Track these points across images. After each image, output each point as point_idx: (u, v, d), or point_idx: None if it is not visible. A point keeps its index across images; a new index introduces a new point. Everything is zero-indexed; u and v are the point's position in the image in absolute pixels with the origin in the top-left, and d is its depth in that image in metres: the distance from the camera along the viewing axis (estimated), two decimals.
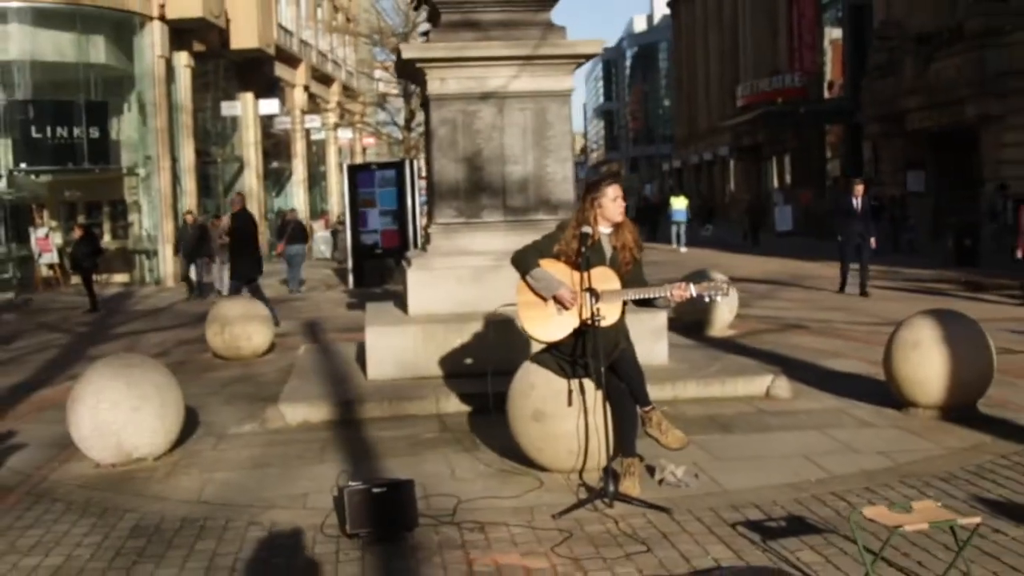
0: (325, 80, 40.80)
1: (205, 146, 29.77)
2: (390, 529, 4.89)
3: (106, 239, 26.37)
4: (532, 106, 8.67)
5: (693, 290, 5.42)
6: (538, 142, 8.68)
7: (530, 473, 5.82)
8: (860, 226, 15.33)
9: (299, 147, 36.73)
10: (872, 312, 13.02)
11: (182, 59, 26.61)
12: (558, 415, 5.52)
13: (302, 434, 7.17)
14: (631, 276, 5.56)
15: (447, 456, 6.40)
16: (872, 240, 15.53)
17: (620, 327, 5.53)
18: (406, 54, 8.79)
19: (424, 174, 16.03)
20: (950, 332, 6.88)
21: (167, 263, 25.11)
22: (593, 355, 5.26)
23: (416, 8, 14.18)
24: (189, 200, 26.61)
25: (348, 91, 43.42)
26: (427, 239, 9.17)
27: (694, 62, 59.81)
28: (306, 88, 37.12)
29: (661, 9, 78.21)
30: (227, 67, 30.77)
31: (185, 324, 14.87)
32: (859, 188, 15.65)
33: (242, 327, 11.04)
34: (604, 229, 5.55)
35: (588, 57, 8.86)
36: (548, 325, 5.50)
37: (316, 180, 41.13)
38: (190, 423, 7.40)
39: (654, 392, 7.33)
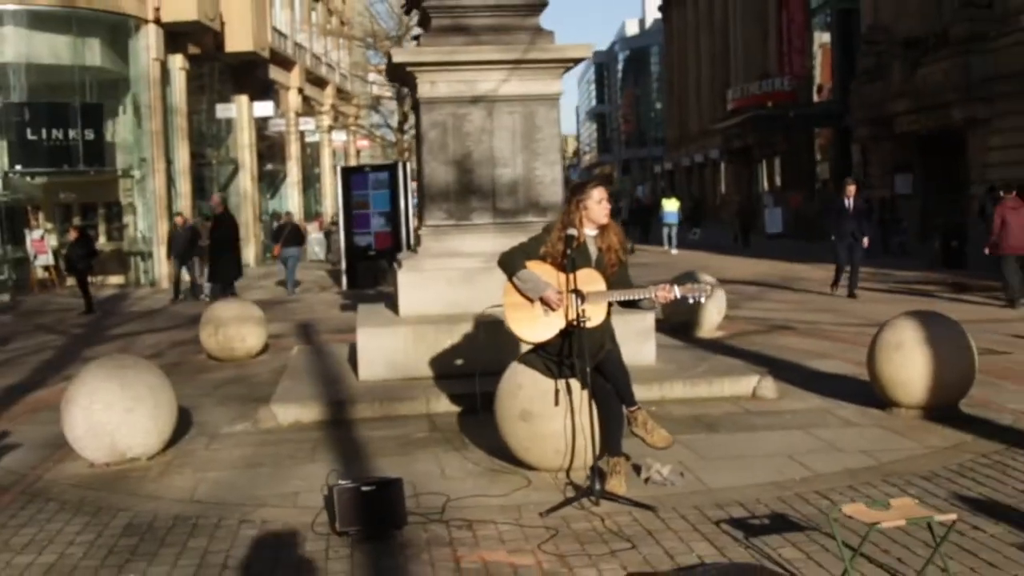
0: (319, 83, 40.90)
1: (200, 148, 29.84)
2: (379, 527, 4.97)
3: (101, 241, 26.43)
4: (521, 109, 8.76)
5: (677, 291, 5.53)
6: (527, 145, 8.77)
7: (518, 472, 5.90)
8: (852, 226, 15.43)
9: (293, 149, 36.82)
10: (859, 314, 13.12)
11: (177, 62, 26.69)
12: (545, 415, 5.60)
13: (294, 434, 7.25)
14: (616, 278, 5.66)
15: (437, 455, 6.48)
16: (865, 239, 15.63)
17: (606, 328, 5.62)
18: (396, 58, 8.88)
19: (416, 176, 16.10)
20: (932, 333, 6.97)
21: (162, 265, 25.16)
22: (579, 355, 5.34)
23: (407, 13, 14.26)
24: (184, 202, 26.67)
25: (342, 94, 43.52)
26: (418, 241, 9.26)
27: (685, 66, 60.00)
28: (300, 91, 37.21)
29: (653, 13, 78.47)
30: (222, 70, 30.85)
31: (180, 326, 14.93)
32: (851, 188, 15.71)
33: (236, 328, 11.12)
34: (590, 231, 5.64)
35: (576, 61, 8.95)
36: (535, 326, 5.59)
37: (310, 182, 41.23)
38: (184, 423, 7.48)
39: (642, 392, 7.43)
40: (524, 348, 6.00)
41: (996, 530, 4.80)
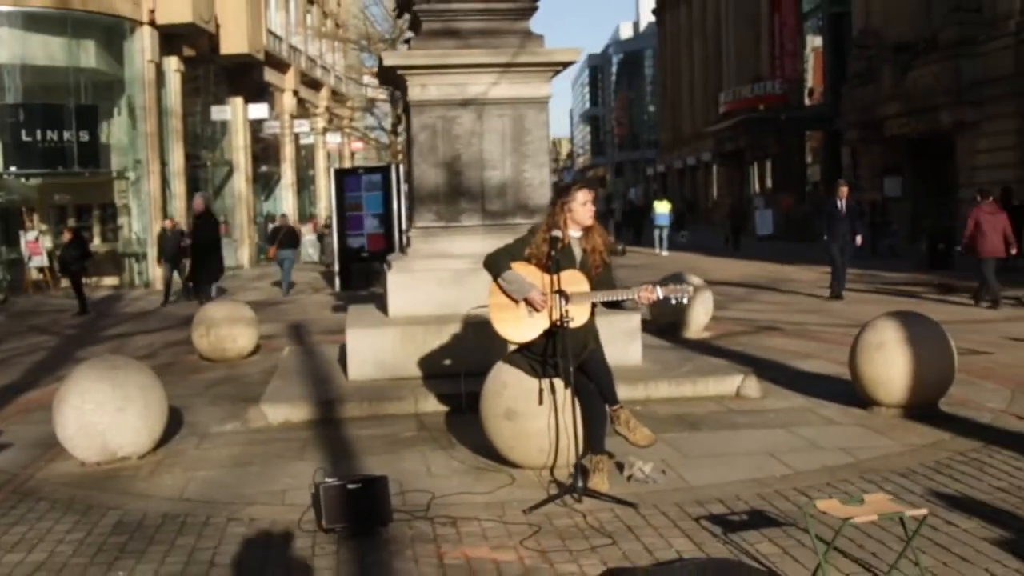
0: (314, 85, 40.99)
1: (195, 150, 29.91)
2: (365, 524, 5.05)
3: (96, 242, 26.51)
4: (511, 112, 8.86)
5: (660, 292, 5.63)
6: (516, 148, 8.87)
7: (503, 470, 5.99)
8: (845, 228, 15.51)
9: (288, 151, 36.90)
10: (845, 315, 13.23)
11: (172, 64, 26.76)
12: (529, 414, 5.69)
13: (283, 433, 7.33)
14: (600, 279, 5.75)
15: (424, 454, 6.56)
16: (858, 238, 15.73)
17: (589, 328, 5.70)
18: (387, 61, 8.98)
19: None
20: (913, 333, 7.07)
21: (156, 266, 25.23)
22: (563, 355, 5.43)
23: (399, 16, 14.35)
24: (178, 204, 26.74)
25: (337, 96, 43.61)
26: (407, 242, 9.35)
27: (678, 69, 60.20)
28: (295, 93, 37.30)
29: (647, 16, 78.66)
30: (217, 72, 30.94)
31: (172, 327, 14.99)
32: (844, 190, 15.83)
33: (228, 329, 11.19)
34: (574, 233, 5.73)
35: (565, 65, 9.03)
36: (519, 326, 5.68)
37: (305, 184, 41.31)
38: (174, 423, 7.56)
39: (627, 392, 7.57)
40: (511, 348, 6.09)
41: (969, 525, 4.90)
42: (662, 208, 31.12)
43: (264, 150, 35.40)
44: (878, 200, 27.52)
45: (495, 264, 5.72)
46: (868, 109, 28.93)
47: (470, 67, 8.73)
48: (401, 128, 29.47)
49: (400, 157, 28.44)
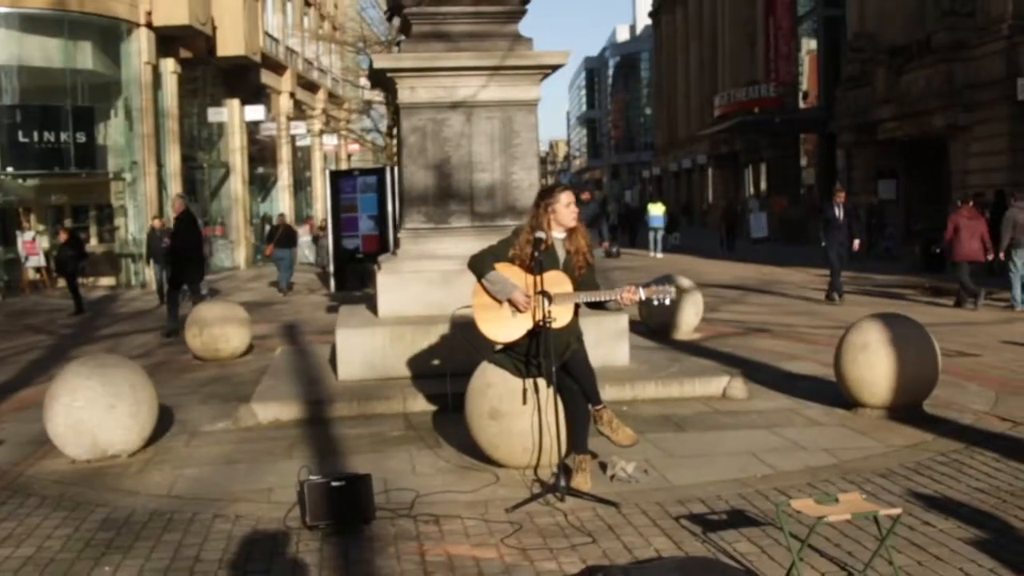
0: (311, 87, 41.06)
1: (191, 151, 29.98)
2: (348, 521, 5.12)
3: (92, 243, 26.58)
4: (499, 115, 8.92)
5: (642, 293, 5.70)
6: (505, 150, 8.93)
7: (487, 469, 6.05)
8: (843, 234, 15.42)
9: (284, 153, 36.96)
10: (835, 317, 13.30)
11: (169, 65, 26.83)
12: (513, 413, 5.75)
13: (272, 432, 7.39)
14: (584, 279, 5.81)
15: (410, 453, 6.62)
16: (856, 243, 15.64)
17: (572, 328, 5.76)
18: (377, 64, 9.05)
19: None
20: (897, 335, 7.14)
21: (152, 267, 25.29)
22: (546, 355, 5.49)
23: (389, 19, 14.42)
24: (175, 205, 26.74)
25: (333, 98, 43.66)
26: (397, 244, 9.41)
27: (674, 72, 60.33)
28: (292, 95, 37.37)
29: (644, 19, 78.79)
30: (214, 74, 31.01)
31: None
32: (840, 195, 15.76)
33: (220, 329, 11.25)
34: (558, 234, 5.80)
35: (554, 68, 9.09)
36: (503, 326, 5.75)
37: (301, 185, 41.37)
38: (166, 421, 7.63)
39: (615, 392, 7.66)
40: (497, 348, 6.14)
41: (946, 525, 4.96)
42: (656, 211, 31.20)
43: (260, 152, 35.46)
44: (874, 203, 27.61)
45: (479, 265, 5.79)
46: (862, 112, 29.03)
47: (459, 70, 8.80)
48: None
49: (396, 159, 28.52)
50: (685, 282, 11.95)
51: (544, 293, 5.53)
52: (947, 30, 24.20)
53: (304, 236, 32.33)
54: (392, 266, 9.00)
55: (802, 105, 39.49)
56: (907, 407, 7.15)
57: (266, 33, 34.28)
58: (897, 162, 28.55)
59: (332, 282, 20.50)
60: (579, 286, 5.75)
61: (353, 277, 20.01)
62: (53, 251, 23.23)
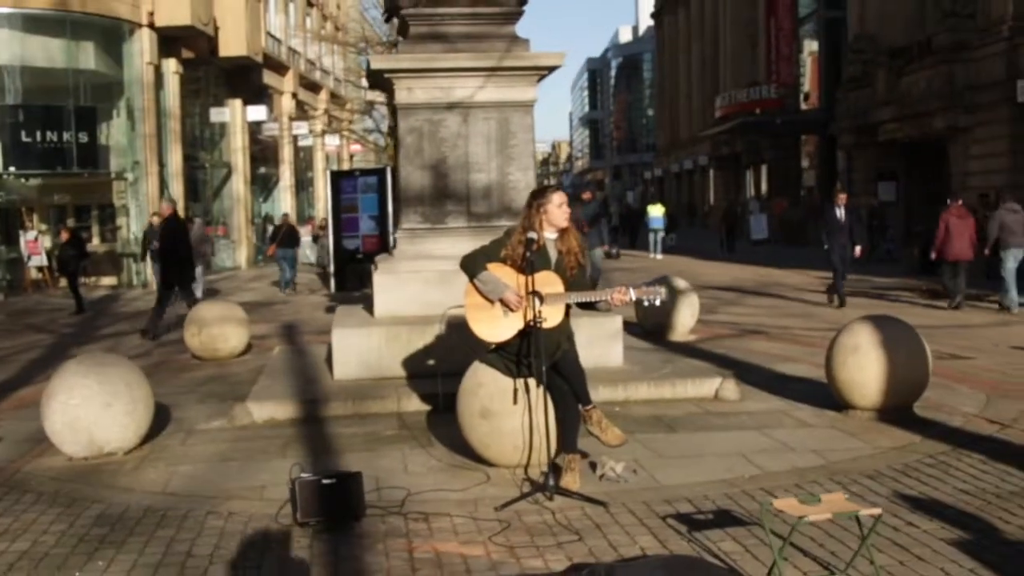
0: (313, 87, 41.14)
1: (193, 151, 30.07)
2: (339, 518, 5.18)
3: (94, 242, 26.68)
4: (496, 116, 8.98)
5: (632, 294, 5.75)
6: (501, 150, 8.99)
7: (479, 468, 6.11)
8: (844, 237, 15.20)
9: (286, 153, 37.06)
10: (831, 319, 13.34)
11: (171, 66, 26.91)
12: (504, 413, 5.81)
13: (267, 431, 7.46)
14: (575, 280, 5.87)
15: (403, 452, 6.68)
16: (857, 248, 15.38)
17: (563, 329, 5.81)
18: (375, 64, 9.12)
19: None
20: (888, 337, 7.18)
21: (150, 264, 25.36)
22: (536, 355, 5.55)
23: (387, 21, 14.48)
24: (177, 205, 26.83)
25: (335, 98, 43.76)
26: (394, 244, 9.48)
27: (676, 73, 60.39)
28: (294, 95, 37.47)
29: (646, 20, 78.83)
30: (216, 74, 31.10)
31: (167, 326, 15.09)
32: (842, 197, 15.51)
33: (219, 328, 11.32)
34: (550, 235, 5.85)
35: (551, 69, 9.14)
36: (494, 326, 5.80)
37: (303, 185, 41.46)
38: (162, 420, 7.70)
39: (608, 393, 7.71)
40: (490, 348, 6.20)
41: (930, 526, 5.01)
42: (655, 212, 31.28)
43: (263, 152, 35.56)
44: (875, 205, 27.64)
45: (471, 265, 5.85)
46: (863, 114, 29.05)
47: (456, 71, 8.86)
48: None
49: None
50: (681, 283, 12.01)
51: (535, 293, 5.59)
52: (948, 31, 24.22)
53: (305, 236, 32.45)
54: (389, 266, 9.06)
55: (803, 107, 39.55)
56: (897, 409, 7.20)
57: (268, 33, 34.38)
58: (898, 164, 28.58)
59: (332, 282, 20.57)
60: (571, 286, 5.80)
61: (353, 277, 20.07)
62: (55, 250, 23.33)
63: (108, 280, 26.00)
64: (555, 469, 5.66)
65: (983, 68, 23.40)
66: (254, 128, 33.28)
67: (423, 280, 8.66)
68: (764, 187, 43.22)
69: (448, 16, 9.07)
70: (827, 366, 7.47)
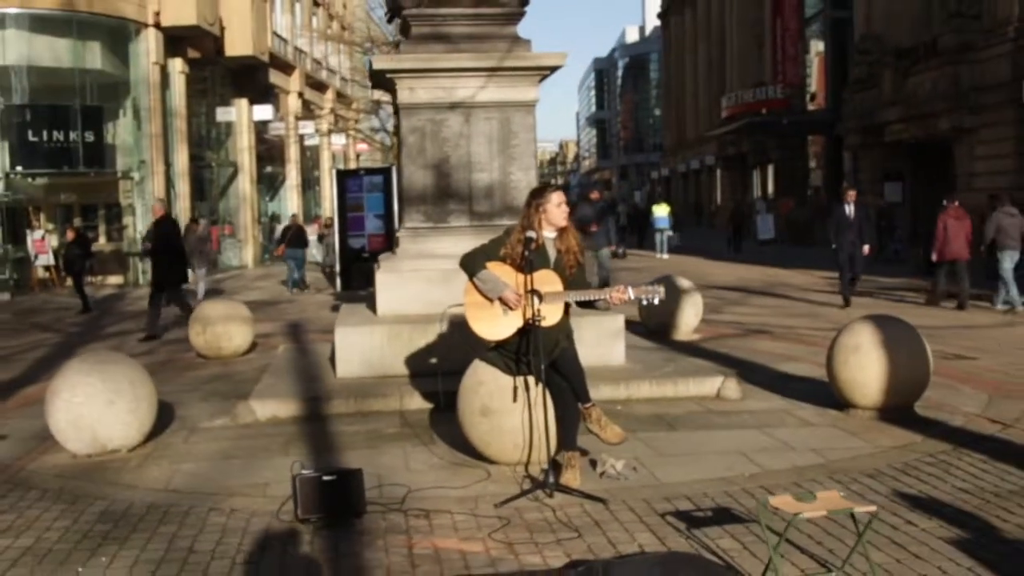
0: (319, 87, 41.23)
1: (199, 151, 30.18)
2: (340, 515, 5.21)
3: (101, 241, 26.79)
4: (498, 115, 9.01)
5: (631, 293, 5.77)
6: (503, 150, 9.02)
7: (479, 465, 6.14)
8: (853, 234, 14.96)
9: (293, 152, 37.14)
10: (836, 319, 13.32)
11: (177, 65, 27.02)
12: (504, 410, 5.84)
13: (270, 428, 7.49)
14: (574, 279, 5.89)
15: (404, 449, 6.72)
16: (866, 247, 15.14)
17: (562, 327, 5.84)
18: (377, 65, 9.15)
19: None
20: (889, 337, 7.19)
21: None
22: (535, 353, 5.58)
23: (390, 21, 14.53)
24: (183, 204, 26.99)
25: (342, 98, 43.84)
26: (396, 243, 9.51)
27: (683, 73, 60.40)
28: (300, 95, 37.54)
29: (653, 20, 78.78)
30: (222, 73, 31.19)
31: (172, 324, 15.15)
32: (851, 195, 15.27)
33: (223, 327, 11.37)
34: (549, 234, 5.88)
35: (553, 69, 9.16)
36: (494, 325, 5.83)
37: (310, 185, 41.55)
38: (166, 417, 7.75)
39: (610, 391, 7.74)
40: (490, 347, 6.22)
41: (928, 525, 5.02)
42: (661, 211, 31.28)
43: (269, 151, 35.67)
44: (883, 205, 27.60)
45: (470, 264, 5.88)
46: (869, 114, 29.03)
47: (458, 71, 8.90)
48: None
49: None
50: (684, 283, 12.02)
51: (534, 292, 5.62)
52: (953, 32, 24.20)
53: (311, 235, 32.55)
54: (391, 265, 9.10)
55: (810, 107, 39.52)
56: (898, 408, 7.21)
57: (274, 33, 34.46)
58: (904, 164, 28.56)
59: (338, 281, 20.62)
60: (569, 285, 5.83)
61: (359, 276, 20.09)
62: (61, 250, 23.43)
63: (114, 279, 26.10)
64: (555, 466, 5.69)
65: (988, 69, 23.37)
66: (260, 127, 33.38)
67: (425, 279, 8.69)
68: (771, 187, 43.18)
69: (450, 17, 9.10)
70: (828, 365, 7.49)
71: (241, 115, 31.87)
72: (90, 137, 24.72)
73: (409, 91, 8.93)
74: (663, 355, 9.49)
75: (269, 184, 37.04)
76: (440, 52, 8.96)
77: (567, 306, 5.87)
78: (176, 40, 26.38)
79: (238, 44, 29.04)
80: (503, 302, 5.77)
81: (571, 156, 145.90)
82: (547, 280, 5.73)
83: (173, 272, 14.05)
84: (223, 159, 32.37)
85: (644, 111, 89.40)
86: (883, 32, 29.53)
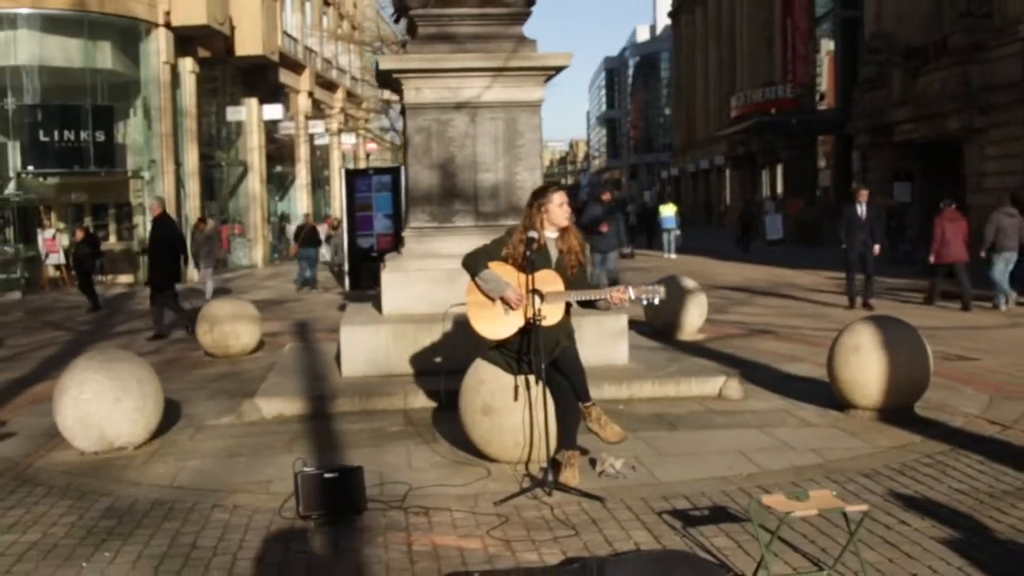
0: (329, 86, 41.34)
1: (209, 150, 30.32)
2: (341, 512, 5.28)
3: (111, 240, 26.96)
4: (503, 115, 9.07)
5: (632, 293, 5.82)
6: (509, 150, 9.08)
7: (480, 464, 6.21)
8: (864, 235, 14.72)
9: (303, 152, 37.27)
10: (841, 319, 13.22)
11: (187, 65, 27.16)
12: (505, 409, 5.90)
13: (275, 426, 7.57)
14: (576, 279, 5.95)
15: (407, 448, 6.78)
16: (876, 247, 14.86)
17: (564, 326, 5.90)
18: (383, 65, 9.21)
19: None
20: (889, 337, 7.22)
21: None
22: (535, 352, 5.64)
23: (396, 21, 14.60)
24: (192, 203, 27.14)
25: (352, 97, 43.95)
26: (402, 242, 9.58)
27: (693, 72, 60.34)
28: (310, 94, 37.66)
29: (664, 19, 78.69)
30: (232, 73, 31.33)
31: (177, 324, 15.26)
32: (863, 194, 14.94)
33: (231, 326, 11.45)
34: (550, 234, 5.94)
35: (558, 69, 9.21)
36: (495, 324, 5.90)
37: (320, 184, 41.68)
38: (173, 415, 7.84)
39: (612, 391, 7.79)
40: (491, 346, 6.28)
41: (921, 524, 5.06)
42: (668, 211, 31.29)
43: (279, 150, 35.79)
44: (894, 205, 27.55)
45: (473, 263, 5.94)
46: (878, 114, 28.96)
47: (464, 71, 8.95)
48: None
49: None
50: (689, 283, 12.06)
51: (536, 291, 5.68)
52: (964, 31, 24.13)
53: (321, 235, 32.65)
54: (397, 264, 9.17)
55: (820, 106, 39.46)
56: (898, 409, 7.24)
57: (285, 32, 34.59)
58: (913, 164, 28.49)
59: (347, 281, 20.72)
60: (571, 285, 5.89)
61: (368, 276, 20.14)
62: (72, 249, 23.59)
63: (125, 278, 26.26)
64: (555, 465, 5.75)
65: (999, 69, 23.30)
66: (270, 127, 33.51)
67: (430, 278, 8.75)
68: (780, 187, 43.14)
69: (456, 17, 9.16)
70: (829, 366, 7.52)
71: (251, 114, 32.01)
72: (101, 137, 24.89)
73: (415, 91, 8.99)
74: (666, 355, 9.54)
75: (279, 183, 37.18)
76: (446, 52, 9.02)
77: (568, 306, 5.93)
78: (186, 40, 26.52)
79: (248, 44, 29.18)
80: (504, 302, 5.83)
81: (581, 155, 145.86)
82: (548, 280, 5.79)
83: (166, 272, 13.98)
84: (233, 158, 32.51)
85: (654, 110, 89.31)
86: (893, 31, 29.47)
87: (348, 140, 40.39)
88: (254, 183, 32.45)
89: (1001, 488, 5.64)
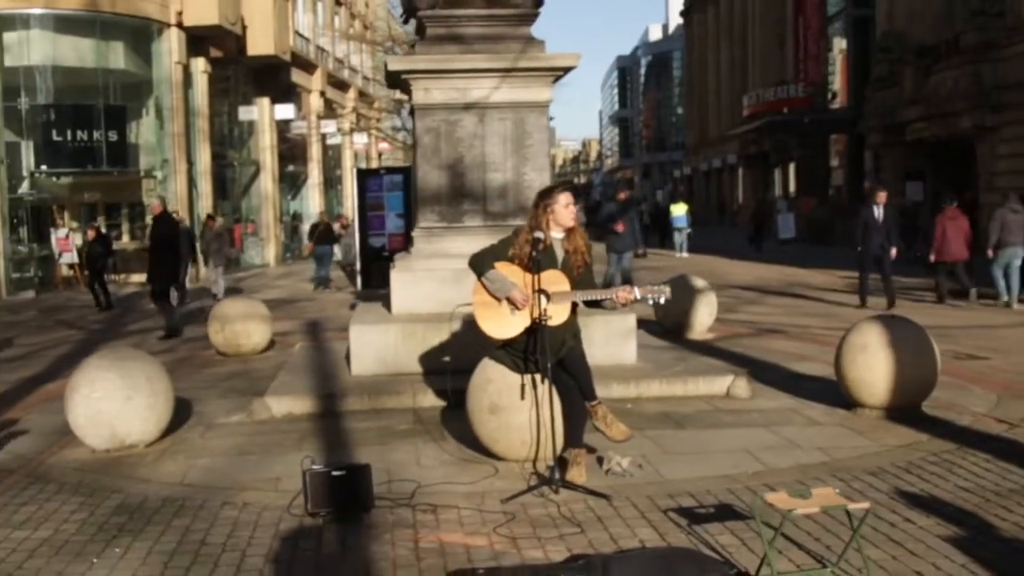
0: (341, 86, 41.45)
1: (222, 150, 30.45)
2: (348, 509, 5.33)
3: (124, 240, 27.10)
4: (512, 116, 9.10)
5: (637, 293, 5.85)
6: (517, 150, 9.12)
7: (488, 462, 6.24)
8: (881, 237, 14.46)
9: (315, 151, 37.38)
10: (851, 319, 13.16)
11: (199, 65, 27.29)
12: (512, 408, 5.93)
13: (285, 425, 7.63)
14: (582, 279, 5.98)
15: (416, 446, 6.83)
16: (893, 250, 14.51)
17: (570, 326, 5.93)
18: (392, 66, 9.26)
19: None
20: (896, 336, 7.23)
21: None
22: (541, 352, 5.67)
23: (405, 22, 14.66)
24: (205, 203, 27.26)
25: (364, 96, 44.04)
26: (411, 242, 9.63)
27: (705, 71, 60.25)
28: (322, 94, 37.77)
29: (676, 18, 78.58)
30: (244, 73, 31.45)
31: (193, 322, 15.35)
32: (881, 196, 14.73)
33: (242, 325, 11.53)
34: (556, 234, 5.97)
35: (566, 70, 9.24)
36: (501, 324, 5.93)
37: (332, 183, 41.80)
38: (184, 413, 7.91)
39: (620, 390, 7.82)
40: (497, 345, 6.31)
41: (926, 522, 5.07)
42: (678, 210, 31.28)
43: (291, 150, 35.91)
44: (907, 205, 27.47)
45: (479, 264, 5.98)
46: (890, 113, 28.90)
47: (473, 72, 8.99)
48: None
49: None
50: (699, 282, 12.07)
51: (541, 291, 5.71)
52: (976, 30, 24.07)
53: None
54: (406, 264, 9.22)
55: (832, 105, 39.37)
56: (906, 408, 7.25)
57: (296, 32, 34.70)
58: (925, 163, 28.41)
59: (359, 280, 20.79)
60: (577, 285, 5.92)
61: (379, 275, 20.22)
62: (85, 248, 23.73)
63: (137, 277, 26.34)
64: (561, 463, 5.78)
65: (1011, 68, 23.22)
66: (282, 126, 33.63)
67: (439, 278, 8.79)
68: (792, 186, 43.06)
69: (464, 18, 9.20)
70: (836, 365, 7.53)
71: (263, 114, 32.14)
72: (113, 136, 25.04)
73: (424, 92, 9.04)
74: (675, 354, 9.57)
75: (291, 183, 37.30)
76: (455, 53, 9.06)
77: (574, 306, 5.96)
78: (198, 40, 26.65)
79: (260, 43, 29.31)
80: (510, 302, 5.87)
81: (594, 155, 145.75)
82: (554, 280, 5.82)
83: (166, 271, 14.00)
84: (245, 158, 32.64)
85: (667, 109, 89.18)
86: (905, 30, 29.39)
87: (360, 140, 40.48)
88: (266, 183, 32.57)
89: (1007, 486, 5.65)
